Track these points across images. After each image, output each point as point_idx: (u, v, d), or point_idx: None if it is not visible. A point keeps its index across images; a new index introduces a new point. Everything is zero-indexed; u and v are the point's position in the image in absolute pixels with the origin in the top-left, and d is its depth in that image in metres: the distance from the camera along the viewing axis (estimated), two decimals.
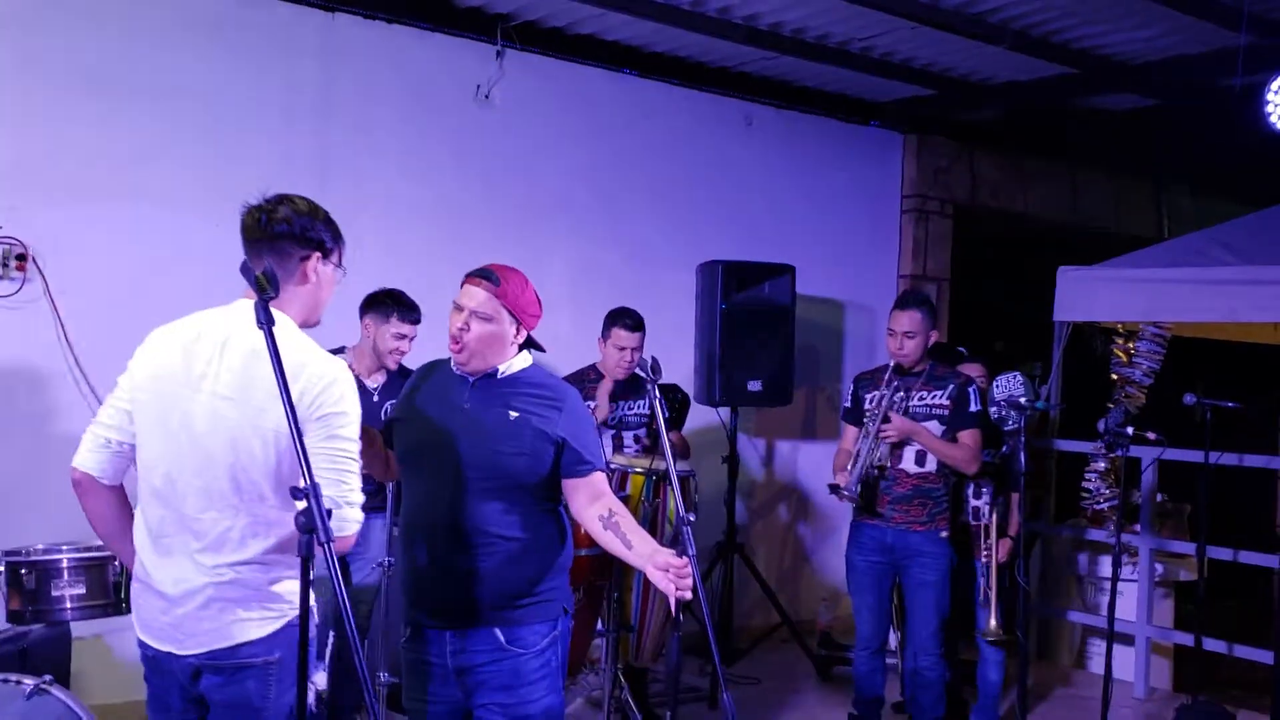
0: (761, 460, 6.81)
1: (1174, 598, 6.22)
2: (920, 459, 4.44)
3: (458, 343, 2.85)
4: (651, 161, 6.35)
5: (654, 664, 4.80)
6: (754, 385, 5.77)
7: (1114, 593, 4.25)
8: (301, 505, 1.99)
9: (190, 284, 4.95)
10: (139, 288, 4.77)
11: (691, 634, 6.08)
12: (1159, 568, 6.04)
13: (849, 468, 4.42)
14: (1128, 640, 6.00)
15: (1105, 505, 6.10)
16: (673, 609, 2.68)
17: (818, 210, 6.97)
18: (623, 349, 4.82)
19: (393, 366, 4.44)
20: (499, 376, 2.88)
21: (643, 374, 2.90)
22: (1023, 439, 3.78)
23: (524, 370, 2.93)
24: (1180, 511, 6.60)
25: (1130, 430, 4.09)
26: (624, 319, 4.84)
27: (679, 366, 5.93)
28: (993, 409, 3.98)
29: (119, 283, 4.78)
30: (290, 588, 2.39)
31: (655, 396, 2.94)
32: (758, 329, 5.75)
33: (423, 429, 2.88)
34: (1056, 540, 6.50)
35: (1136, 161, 8.18)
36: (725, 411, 5.94)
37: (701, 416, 6.12)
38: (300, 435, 2.07)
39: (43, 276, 4.66)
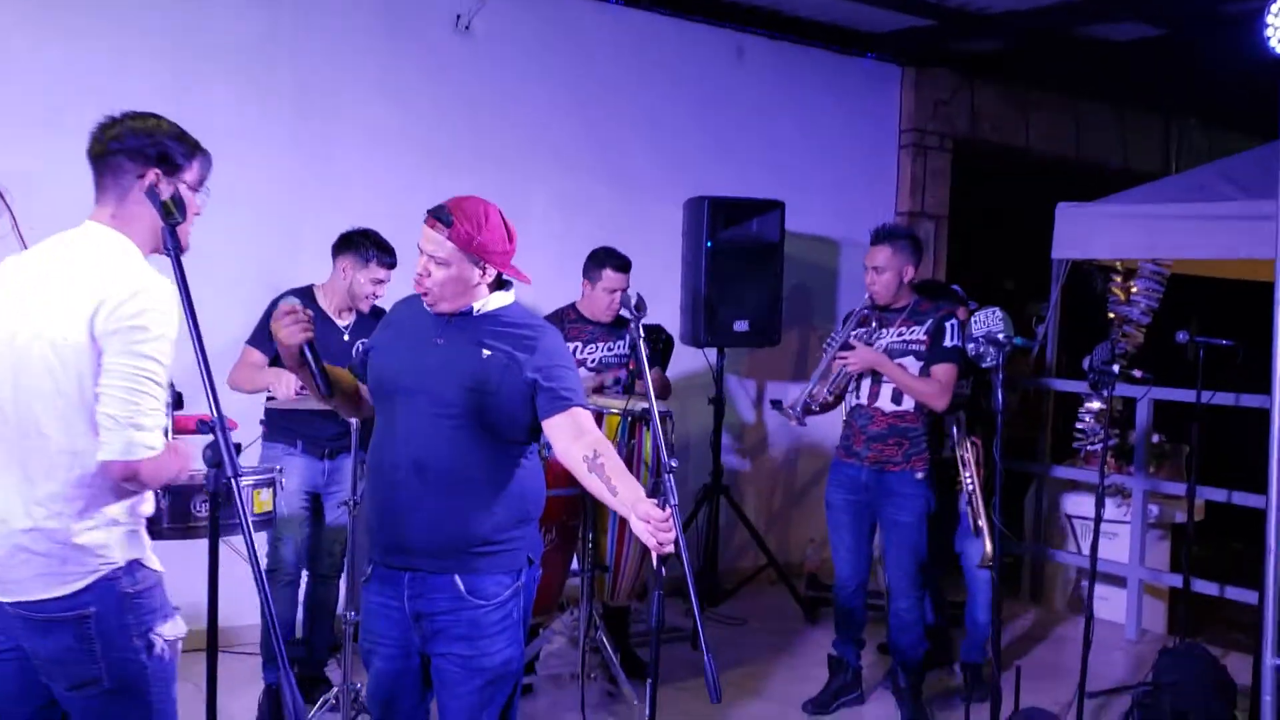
0: (753, 402, 6.71)
1: (1170, 540, 6.14)
2: (897, 397, 4.33)
3: (422, 286, 2.74)
4: (639, 94, 6.19)
5: (630, 603, 4.74)
6: (741, 325, 5.66)
7: (1096, 534, 4.16)
8: (208, 438, 1.89)
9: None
10: None
11: (676, 576, 6.04)
12: (1154, 509, 5.95)
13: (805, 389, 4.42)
14: (1121, 582, 5.94)
15: (1099, 446, 5.98)
16: (654, 562, 2.56)
17: (812, 145, 6.79)
18: (613, 291, 4.70)
19: (365, 309, 4.34)
20: (474, 314, 2.78)
21: (627, 312, 2.76)
22: (1000, 376, 3.65)
23: (503, 308, 2.82)
24: (1179, 452, 6.49)
25: (1116, 368, 3.96)
26: (614, 259, 4.71)
27: (666, 305, 5.83)
28: (970, 345, 3.86)
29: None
30: (101, 539, 2.24)
31: (639, 335, 2.80)
32: (745, 267, 5.62)
33: (394, 363, 2.79)
34: (1050, 481, 6.41)
35: (1144, 94, 7.95)
36: (713, 353, 5.84)
37: (689, 358, 6.03)
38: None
39: (10, 212, 4.55)
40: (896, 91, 7.19)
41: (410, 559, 2.72)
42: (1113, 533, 6.09)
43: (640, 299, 2.78)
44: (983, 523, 4.50)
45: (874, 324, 4.43)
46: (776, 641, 5.52)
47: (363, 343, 4.25)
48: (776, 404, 4.37)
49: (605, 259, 4.71)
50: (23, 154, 4.54)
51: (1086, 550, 6.11)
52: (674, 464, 2.73)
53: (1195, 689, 3.78)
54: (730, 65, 6.50)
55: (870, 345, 4.36)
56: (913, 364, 4.31)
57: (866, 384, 4.43)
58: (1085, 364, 4.02)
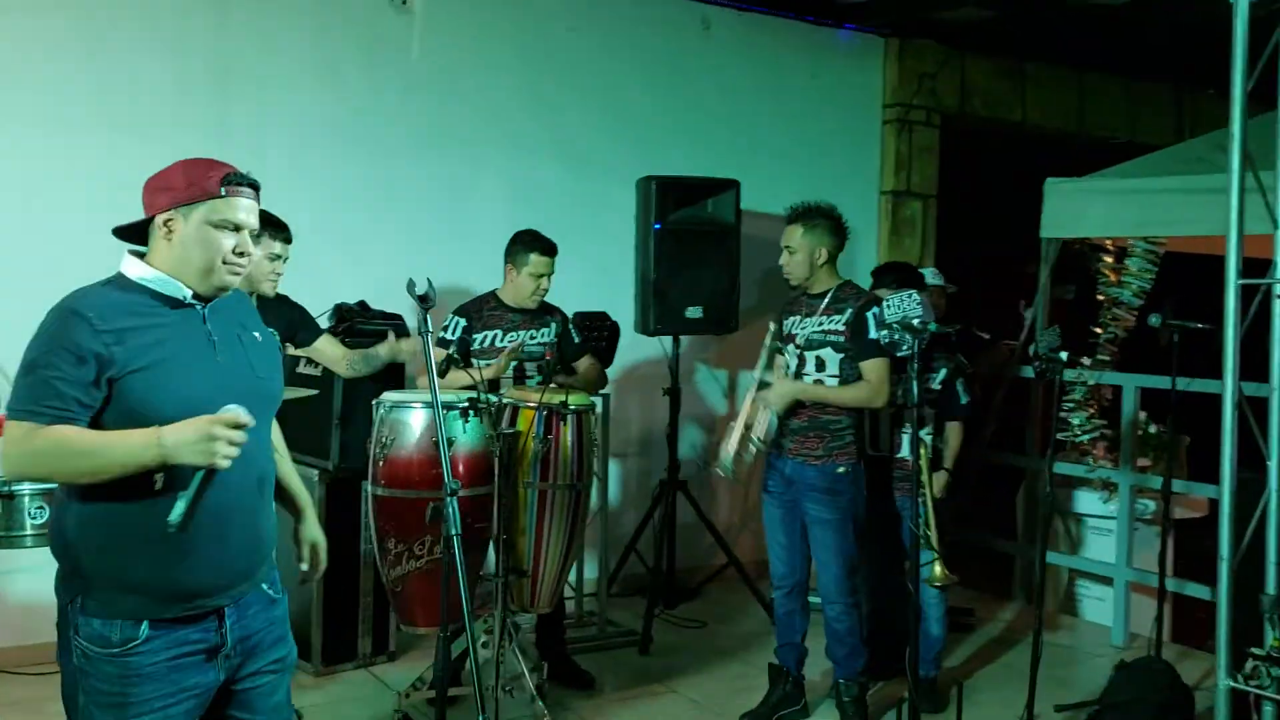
0: (723, 392, 6.39)
1: (1175, 538, 5.73)
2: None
3: (238, 267, 2.36)
4: (595, 69, 5.88)
5: (551, 610, 4.45)
6: (694, 312, 5.34)
7: (1044, 532, 3.80)
8: None
9: (76, 205, 4.72)
10: (19, 211, 4.52)
11: (634, 576, 5.76)
12: (1148, 505, 5.55)
13: (726, 439, 4.11)
14: (1109, 583, 5.56)
15: (1085, 437, 5.60)
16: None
17: (786, 122, 6.45)
18: (539, 276, 4.41)
19: (269, 293, 4.07)
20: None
21: (412, 296, 2.47)
22: (914, 367, 3.31)
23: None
24: (1180, 443, 6.07)
25: (1064, 355, 3.60)
26: (541, 242, 4.42)
27: (623, 292, 5.53)
28: (882, 333, 3.53)
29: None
30: None
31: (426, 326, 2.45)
32: (698, 250, 5.30)
33: (184, 378, 2.31)
34: (1041, 477, 6.00)
35: (1153, 62, 7.48)
36: (671, 341, 5.53)
37: (648, 347, 5.73)
38: None
39: None
40: (879, 65, 6.81)
41: (236, 587, 2.37)
42: (1108, 529, 5.71)
43: (430, 286, 2.47)
44: (933, 536, 4.17)
45: (802, 311, 4.12)
46: (734, 646, 5.20)
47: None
48: (709, 467, 4.05)
49: (532, 242, 4.42)
50: None
51: (1082, 550, 5.79)
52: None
53: (1147, 710, 3.41)
54: (696, 38, 6.17)
55: (797, 340, 4.07)
56: (832, 356, 4.00)
57: (792, 365, 4.14)
58: (1030, 351, 3.67)
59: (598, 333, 5.05)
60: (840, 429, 4.00)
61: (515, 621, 4.19)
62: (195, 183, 2.29)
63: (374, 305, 5.00)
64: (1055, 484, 5.85)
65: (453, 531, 2.20)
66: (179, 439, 2.11)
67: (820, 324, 4.02)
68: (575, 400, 4.10)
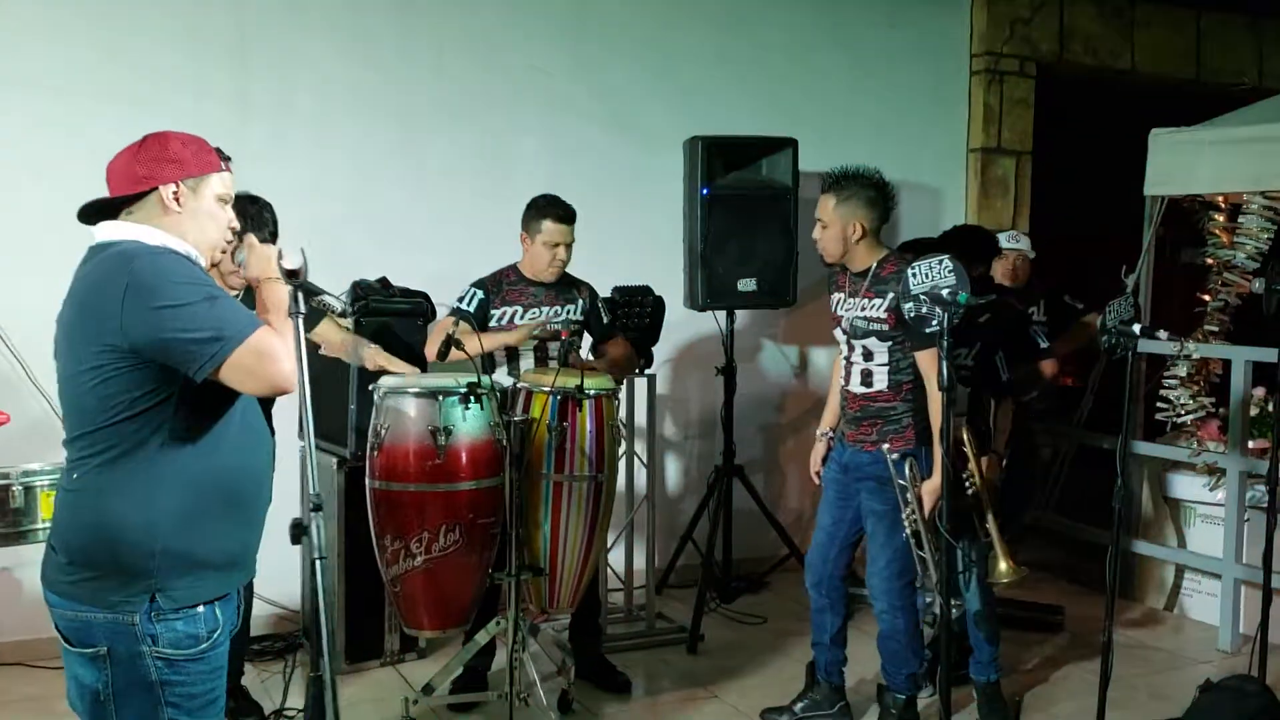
0: (793, 371, 5.94)
1: None
2: (866, 378, 3.60)
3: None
4: (642, 22, 5.46)
5: (570, 612, 4.12)
6: (746, 284, 4.92)
7: (1118, 523, 3.29)
8: None
9: (92, 182, 4.49)
10: (35, 183, 4.38)
11: (692, 568, 5.39)
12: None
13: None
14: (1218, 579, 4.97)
15: (1189, 418, 5.00)
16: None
17: (859, 76, 5.94)
18: (555, 246, 4.06)
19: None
20: None
21: (280, 271, 2.15)
22: (944, 344, 2.86)
23: None
24: None
25: (1137, 328, 3.08)
26: (556, 208, 4.07)
27: (675, 263, 5.13)
28: (908, 305, 3.07)
29: (9, 183, 4.38)
30: None
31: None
32: (751, 217, 4.88)
33: None
34: (1146, 461, 5.42)
35: None
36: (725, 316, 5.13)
37: (707, 322, 5.32)
38: None
39: None
40: (965, 10, 6.23)
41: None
42: (1218, 518, 5.10)
43: (303, 257, 2.15)
44: (992, 527, 3.70)
45: (846, 289, 3.68)
46: (793, 646, 4.78)
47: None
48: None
49: (546, 207, 4.07)
50: None
51: (1188, 542, 5.20)
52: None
53: None
54: None
55: (843, 324, 3.66)
56: (878, 346, 3.55)
57: (842, 362, 3.71)
58: (1099, 323, 3.17)
59: (639, 308, 4.67)
60: (895, 415, 3.57)
61: (533, 624, 3.88)
62: (200, 155, 2.22)
63: (408, 283, 4.71)
64: (1164, 468, 5.35)
65: (316, 556, 1.87)
66: (266, 262, 2.19)
67: (862, 308, 3.58)
68: (593, 384, 3.75)
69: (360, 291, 4.47)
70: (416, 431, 3.52)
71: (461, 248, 4.86)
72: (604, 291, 4.68)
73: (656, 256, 5.14)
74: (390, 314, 4.30)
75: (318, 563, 1.86)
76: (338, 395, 4.32)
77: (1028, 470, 4.76)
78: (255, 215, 3.68)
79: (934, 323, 2.91)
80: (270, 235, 3.72)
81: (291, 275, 2.01)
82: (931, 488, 3.46)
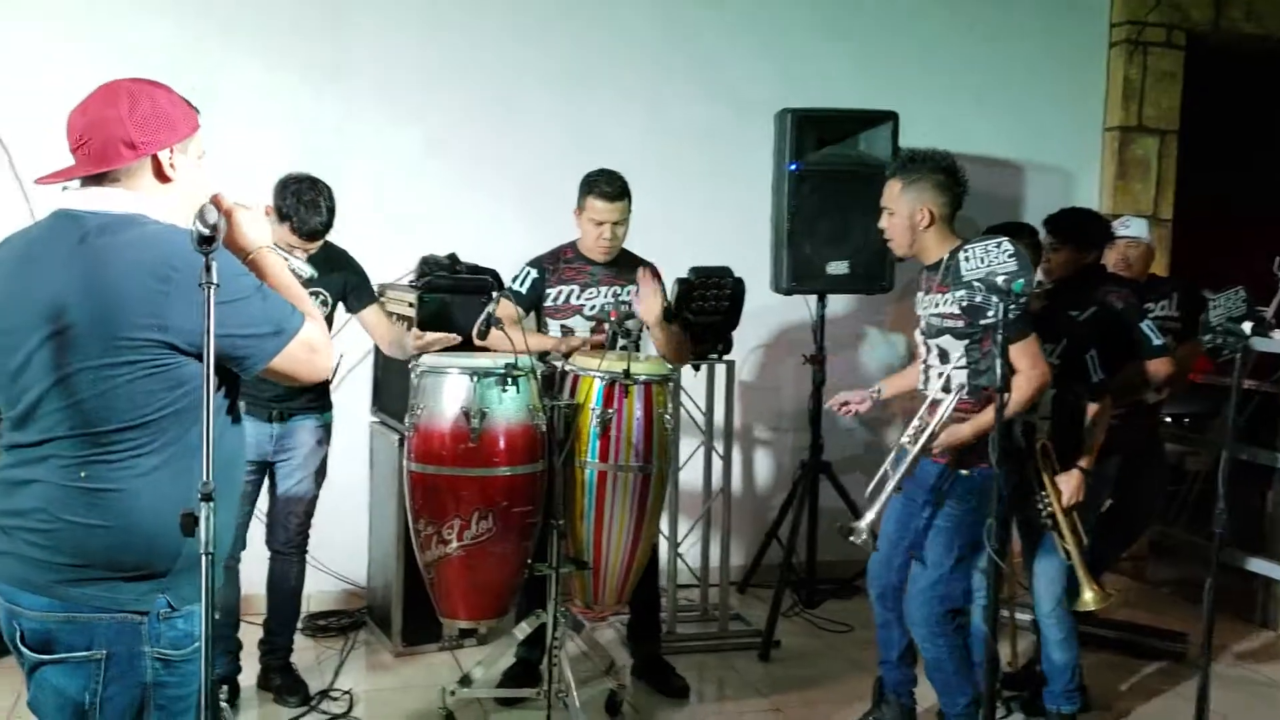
0: (901, 362, 5.56)
1: None
2: (946, 383, 3.23)
3: None
4: None
5: (620, 609, 3.90)
6: (837, 267, 4.59)
7: (1218, 539, 2.87)
8: None
9: None
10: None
11: (769, 567, 5.09)
12: None
13: (870, 503, 3.26)
14: None
15: None
16: None
17: (980, 45, 5.50)
18: (600, 224, 3.83)
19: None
20: None
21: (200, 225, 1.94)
22: (999, 338, 2.50)
23: None
24: None
25: (1248, 326, 2.66)
26: (601, 184, 3.82)
27: (763, 242, 4.83)
28: (960, 293, 2.71)
29: None
30: None
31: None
32: (845, 195, 4.53)
33: None
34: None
35: None
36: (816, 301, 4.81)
37: (797, 307, 5.01)
38: None
39: (6, 152, 4.32)
40: None
41: None
42: None
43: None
44: (1074, 551, 3.32)
45: (923, 285, 3.34)
46: (875, 658, 4.45)
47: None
48: (845, 532, 3.31)
49: (592, 183, 3.83)
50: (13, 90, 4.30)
51: None
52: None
53: None
54: None
55: (920, 325, 3.31)
56: (954, 345, 3.20)
57: (921, 355, 3.38)
58: (1203, 319, 2.76)
59: (717, 290, 4.40)
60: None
61: (577, 619, 3.69)
62: (186, 112, 2.04)
63: (488, 261, 4.55)
64: None
65: (204, 550, 1.68)
66: (256, 228, 2.10)
67: (935, 304, 3.23)
68: (643, 369, 3.51)
69: (425, 267, 4.40)
70: (451, 413, 3.35)
71: (542, 223, 4.67)
72: (681, 271, 4.44)
73: (745, 235, 4.85)
74: (453, 290, 4.18)
75: (203, 559, 1.67)
76: (402, 371, 4.21)
77: (1152, 482, 4.31)
78: (310, 201, 3.57)
79: (989, 314, 2.56)
80: (324, 224, 3.61)
81: (205, 242, 1.79)
82: (1071, 485, 3.29)
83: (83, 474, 1.89)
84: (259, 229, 2.10)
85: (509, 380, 3.33)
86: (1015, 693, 3.94)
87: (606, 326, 3.70)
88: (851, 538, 3.22)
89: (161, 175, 1.99)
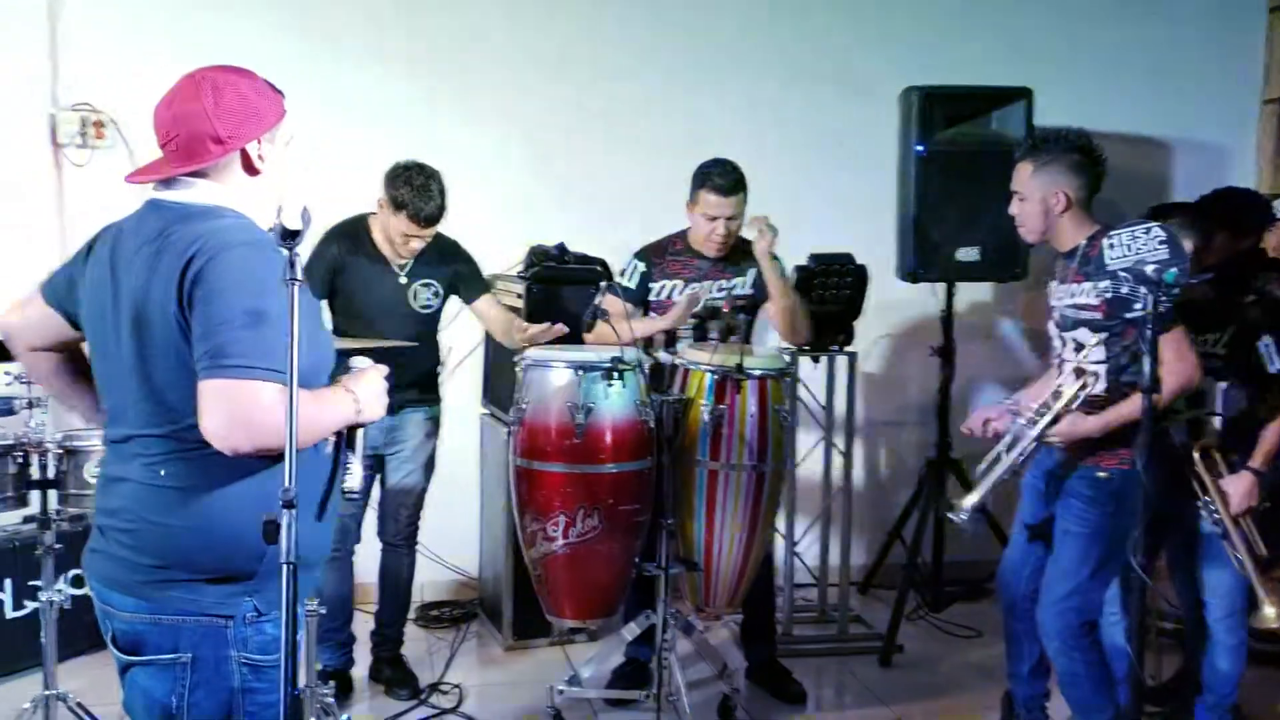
0: (1037, 357, 5.26)
1: None
2: (1081, 377, 2.98)
3: None
4: None
5: (731, 612, 3.76)
6: (967, 253, 4.34)
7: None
8: None
9: (345, 138, 4.46)
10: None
11: (892, 567, 4.88)
12: None
13: (979, 484, 3.06)
14: None
15: None
16: None
17: (1123, 14, 5.14)
18: (713, 219, 3.67)
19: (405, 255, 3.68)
20: None
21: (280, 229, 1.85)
22: (1149, 330, 2.26)
23: None
24: None
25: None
26: (714, 177, 3.65)
27: (884, 228, 4.61)
28: (1105, 283, 2.46)
29: None
30: None
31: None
32: (975, 177, 4.27)
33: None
34: None
35: None
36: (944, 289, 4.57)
37: (927, 296, 4.78)
38: None
39: (126, 144, 4.39)
40: None
41: None
42: None
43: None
44: (1249, 563, 3.04)
45: (1058, 274, 3.10)
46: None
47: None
48: (950, 508, 3.12)
49: (705, 175, 3.67)
50: (134, 84, 4.34)
51: None
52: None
53: None
54: None
55: (1054, 316, 3.06)
56: (1090, 339, 2.94)
57: (1056, 349, 3.13)
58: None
59: (837, 278, 4.22)
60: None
61: (687, 621, 3.56)
62: (273, 100, 1.97)
63: (599, 252, 4.44)
64: None
65: (285, 559, 1.61)
66: (370, 392, 2.00)
67: (1071, 294, 2.99)
68: (757, 363, 3.36)
69: (533, 258, 4.31)
70: (556, 408, 3.26)
71: (654, 213, 4.55)
72: (800, 259, 4.27)
73: (869, 221, 4.64)
74: (561, 281, 4.09)
75: (284, 569, 1.60)
76: (512, 363, 4.14)
77: None
78: (421, 186, 3.52)
79: (1137, 307, 2.32)
80: (439, 207, 3.55)
81: (289, 236, 1.72)
82: (1241, 489, 3.02)
83: (162, 472, 1.85)
84: (373, 394, 2.02)
85: (615, 374, 3.22)
86: (1158, 708, 3.67)
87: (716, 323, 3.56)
88: (951, 515, 3.07)
89: (250, 168, 1.93)
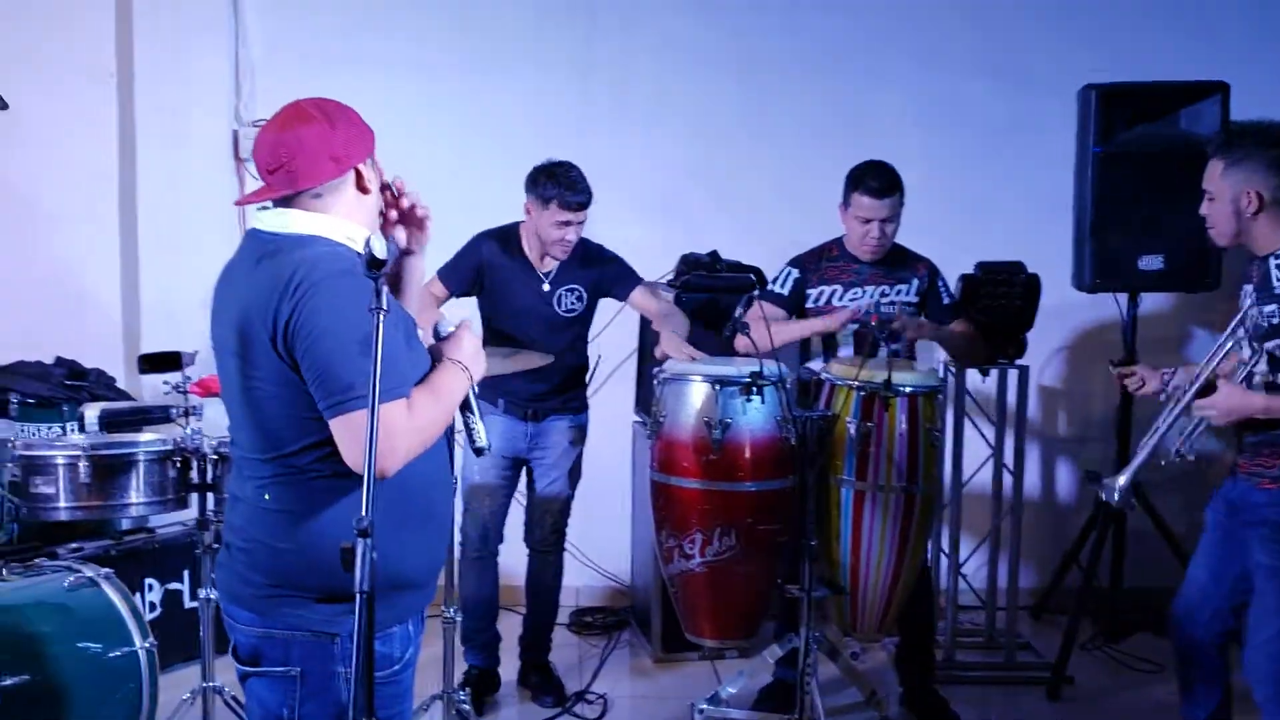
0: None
1: None
2: (1273, 393, 2.70)
3: None
4: None
5: (880, 639, 3.60)
6: (1150, 262, 4.03)
7: None
8: None
9: (439, 148, 4.49)
10: (400, 160, 4.56)
11: (1068, 592, 4.58)
12: None
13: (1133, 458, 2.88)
14: None
15: None
16: None
17: None
18: (868, 222, 3.53)
19: (560, 255, 3.67)
20: None
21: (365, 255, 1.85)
22: None
23: None
24: None
25: None
26: (868, 179, 3.51)
27: (1063, 234, 4.34)
28: (1270, 308, 2.19)
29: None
30: None
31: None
32: (1161, 180, 3.95)
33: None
34: None
35: None
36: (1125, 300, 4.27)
37: (1099, 308, 4.49)
38: None
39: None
40: None
41: None
42: None
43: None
44: None
45: (1253, 280, 2.83)
46: None
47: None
48: (1092, 477, 2.96)
49: (859, 177, 3.52)
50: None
51: None
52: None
53: None
54: None
55: (1246, 323, 2.79)
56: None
57: (1242, 370, 2.86)
58: None
59: (1006, 288, 4.00)
60: None
61: (833, 645, 3.44)
62: (366, 124, 2.03)
63: (752, 257, 4.35)
64: None
65: (359, 589, 1.61)
66: (468, 352, 2.02)
67: (1259, 308, 2.73)
68: (907, 379, 3.21)
69: (683, 267, 4.26)
70: (693, 423, 3.19)
71: (813, 216, 4.43)
72: (966, 268, 4.07)
73: (1043, 227, 4.39)
74: (712, 290, 4.03)
75: (358, 597, 1.60)
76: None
77: None
78: (564, 174, 3.53)
79: None
80: (587, 191, 3.55)
81: (373, 264, 1.74)
82: None
83: (267, 495, 1.91)
84: (473, 354, 2.03)
85: (754, 389, 3.13)
86: None
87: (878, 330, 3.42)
88: (1102, 493, 2.94)
89: (363, 187, 1.99)
